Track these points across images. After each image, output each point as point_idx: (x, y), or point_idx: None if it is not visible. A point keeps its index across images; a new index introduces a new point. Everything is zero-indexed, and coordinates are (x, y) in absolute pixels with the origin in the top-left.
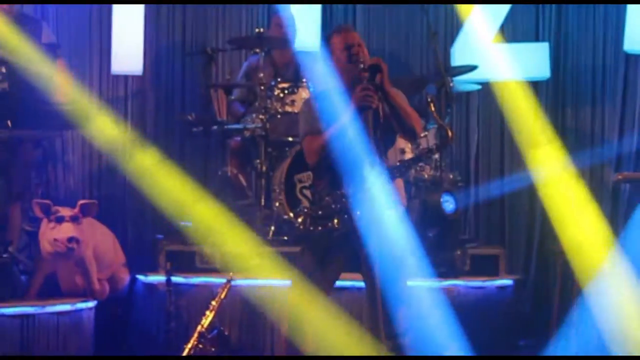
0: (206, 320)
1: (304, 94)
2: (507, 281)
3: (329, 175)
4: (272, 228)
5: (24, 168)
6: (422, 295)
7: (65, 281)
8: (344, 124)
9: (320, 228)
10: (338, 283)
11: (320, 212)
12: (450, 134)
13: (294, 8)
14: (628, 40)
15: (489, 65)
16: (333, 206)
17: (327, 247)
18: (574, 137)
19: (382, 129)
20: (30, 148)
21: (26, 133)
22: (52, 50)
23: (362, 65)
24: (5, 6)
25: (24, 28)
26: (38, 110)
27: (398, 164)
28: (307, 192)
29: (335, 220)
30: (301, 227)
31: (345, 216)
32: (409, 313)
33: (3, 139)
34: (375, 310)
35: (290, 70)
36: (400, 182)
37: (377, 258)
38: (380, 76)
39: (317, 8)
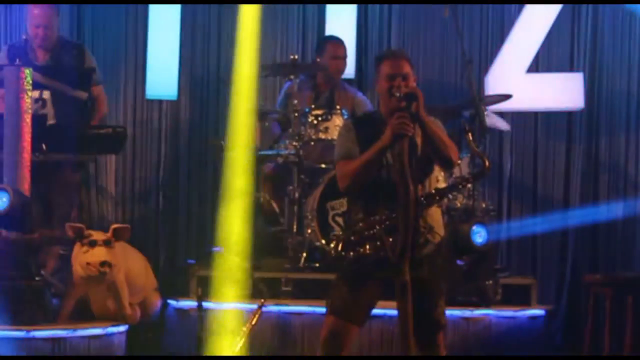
0: (237, 347)
1: (337, 121)
2: (538, 311)
3: (363, 200)
4: (304, 255)
5: (64, 192)
6: None
7: (97, 305)
8: (379, 150)
9: (352, 254)
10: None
11: (352, 238)
12: (487, 163)
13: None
14: None
15: (523, 95)
16: (366, 232)
17: (360, 274)
18: (608, 167)
19: (419, 158)
20: (69, 172)
21: (61, 157)
22: (89, 74)
23: (398, 94)
24: (39, 41)
25: (67, 53)
26: (74, 135)
27: (433, 191)
28: (340, 220)
29: (368, 246)
30: (333, 252)
31: (378, 243)
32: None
33: (43, 163)
34: (406, 338)
35: (326, 97)
36: (437, 210)
37: (411, 285)
38: (416, 105)
39: (352, 36)
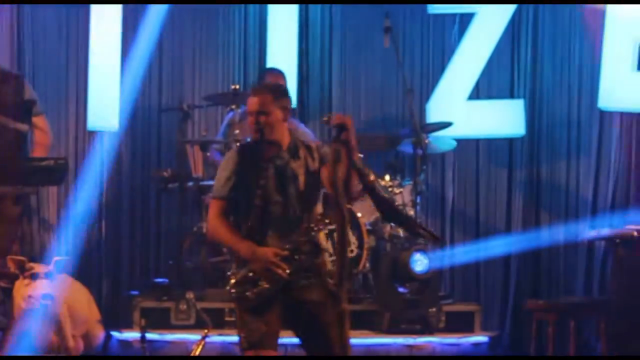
0: None
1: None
2: (482, 338)
3: (258, 236)
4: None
5: (4, 224)
6: None
7: (40, 338)
8: (236, 248)
9: (254, 291)
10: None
11: (250, 275)
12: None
13: (271, 64)
14: (602, 98)
15: (464, 122)
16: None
17: (265, 302)
18: (549, 193)
19: (307, 191)
20: (10, 205)
21: (2, 190)
22: (32, 106)
23: (325, 119)
24: None
25: (6, 84)
26: (16, 167)
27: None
28: None
29: (265, 282)
30: (233, 290)
31: (275, 276)
32: None
33: None
34: None
35: None
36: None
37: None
38: (346, 134)
39: (293, 66)
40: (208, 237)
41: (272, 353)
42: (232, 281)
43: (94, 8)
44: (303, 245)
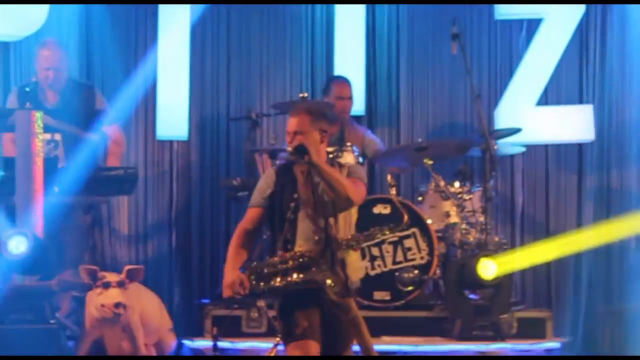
0: None
1: (348, 157)
2: (554, 344)
3: (281, 241)
4: None
5: (75, 234)
6: None
7: (112, 347)
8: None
9: (262, 284)
10: None
11: (265, 270)
12: (406, 218)
13: (338, 73)
14: None
15: (533, 128)
16: (279, 266)
17: (300, 300)
18: (620, 198)
19: (324, 199)
20: (81, 213)
21: (73, 199)
22: (99, 116)
23: (290, 150)
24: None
25: (78, 95)
26: (85, 176)
27: (350, 237)
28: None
29: (278, 279)
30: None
31: (289, 279)
32: None
33: (54, 205)
34: None
35: (336, 135)
36: (353, 257)
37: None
38: (307, 156)
39: (360, 74)
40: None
41: (315, 346)
42: (247, 272)
43: (162, 17)
44: (322, 259)
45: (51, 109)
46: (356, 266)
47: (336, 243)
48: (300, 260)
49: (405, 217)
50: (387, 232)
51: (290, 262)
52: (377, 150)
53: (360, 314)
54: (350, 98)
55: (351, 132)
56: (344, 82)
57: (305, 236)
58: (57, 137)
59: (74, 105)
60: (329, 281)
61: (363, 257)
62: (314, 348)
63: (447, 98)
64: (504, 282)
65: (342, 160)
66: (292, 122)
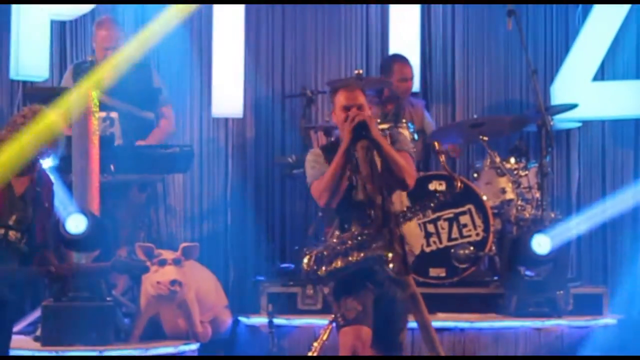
0: None
1: (404, 133)
2: (611, 320)
3: (338, 220)
4: None
5: (131, 212)
6: None
7: (168, 324)
8: (343, 152)
9: (324, 268)
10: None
11: (325, 253)
12: (458, 184)
13: (394, 49)
14: None
15: (590, 104)
16: (338, 247)
17: (355, 281)
18: None
19: (381, 176)
20: (136, 192)
21: (129, 177)
22: (155, 94)
23: (349, 128)
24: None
25: (134, 74)
26: (141, 154)
27: (405, 209)
28: None
29: (339, 261)
30: (306, 267)
31: (350, 258)
32: None
33: (109, 183)
34: (434, 347)
35: (393, 111)
36: (410, 223)
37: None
38: (370, 133)
39: (416, 50)
40: (319, 196)
41: (367, 331)
42: (306, 259)
43: None
44: (380, 235)
45: (108, 88)
46: (415, 233)
47: (394, 219)
48: (359, 238)
49: (458, 182)
50: (441, 198)
51: (349, 242)
52: (430, 130)
53: (418, 291)
54: (412, 78)
55: (411, 110)
56: (405, 61)
57: (362, 214)
58: (113, 115)
59: (130, 83)
60: (390, 255)
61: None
62: (366, 333)
63: (503, 74)
64: (560, 257)
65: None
66: (349, 96)
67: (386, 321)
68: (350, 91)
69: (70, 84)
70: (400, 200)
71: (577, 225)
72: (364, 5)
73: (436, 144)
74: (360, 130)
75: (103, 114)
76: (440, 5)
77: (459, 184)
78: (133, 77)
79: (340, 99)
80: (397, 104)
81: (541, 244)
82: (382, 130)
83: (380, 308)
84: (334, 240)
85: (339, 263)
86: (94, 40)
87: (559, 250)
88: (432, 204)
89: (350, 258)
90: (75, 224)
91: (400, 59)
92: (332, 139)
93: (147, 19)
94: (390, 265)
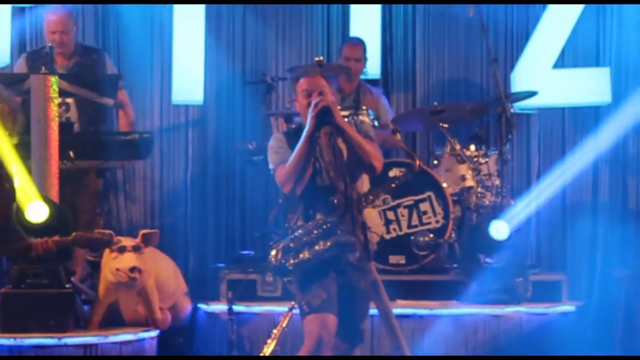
0: (268, 349)
1: (365, 120)
2: (569, 307)
3: (301, 207)
4: None
5: (89, 198)
6: None
7: (127, 311)
8: (307, 138)
9: (292, 260)
10: None
11: (291, 245)
12: (417, 162)
13: (354, 34)
14: None
15: (550, 91)
16: (304, 238)
17: (319, 269)
18: (636, 161)
19: (344, 162)
20: (94, 178)
21: (89, 163)
22: (115, 80)
23: (312, 114)
24: (57, 48)
25: (87, 59)
26: (100, 141)
27: (366, 192)
28: None
29: (307, 252)
30: (274, 260)
31: (316, 247)
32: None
33: (67, 170)
34: (394, 334)
35: (353, 98)
36: (371, 211)
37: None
38: (333, 119)
39: (376, 36)
40: (284, 183)
41: (332, 318)
42: (273, 252)
43: None
44: (344, 222)
45: (67, 74)
46: (376, 222)
47: (356, 205)
48: (324, 227)
49: (417, 160)
50: (402, 178)
51: (315, 232)
52: (386, 119)
53: (379, 278)
54: (359, 60)
55: (367, 96)
56: (353, 43)
57: (326, 200)
58: (69, 100)
59: (83, 69)
60: (354, 240)
61: (379, 219)
62: (331, 320)
63: (463, 61)
64: (519, 244)
65: None
66: (310, 82)
67: (348, 309)
68: (311, 77)
69: (23, 71)
70: (362, 187)
71: (528, 205)
72: None
73: (390, 123)
74: (324, 116)
75: (59, 100)
76: None
77: (417, 162)
78: (86, 63)
79: (302, 84)
80: (357, 91)
81: (499, 229)
82: (344, 117)
83: (343, 296)
84: (300, 232)
85: (306, 254)
86: (44, 26)
87: (517, 235)
88: (392, 185)
89: (316, 247)
90: (36, 211)
91: (349, 40)
92: (293, 125)
93: (107, 7)
94: (354, 252)
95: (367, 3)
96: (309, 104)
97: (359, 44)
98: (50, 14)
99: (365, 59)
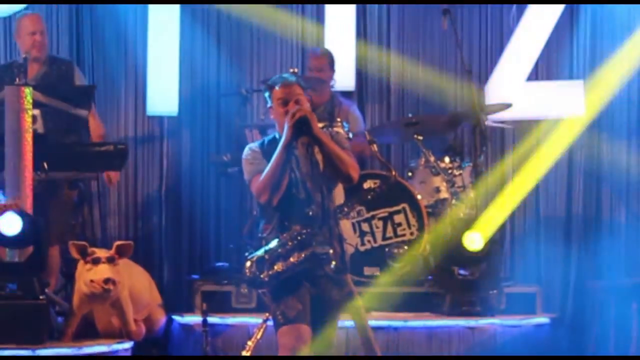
0: None
1: (341, 132)
2: (543, 319)
3: (276, 219)
4: None
5: (61, 209)
6: None
7: (101, 322)
8: (284, 147)
9: (266, 272)
10: None
11: (266, 257)
12: (393, 172)
13: (328, 48)
14: None
15: (524, 104)
16: (279, 250)
17: (294, 281)
18: (610, 173)
19: (321, 173)
20: (67, 189)
21: (62, 175)
22: (90, 92)
23: (289, 124)
24: (35, 51)
25: (56, 69)
26: (74, 152)
27: (341, 204)
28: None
29: (280, 265)
30: (248, 272)
31: (291, 259)
32: None
33: (40, 181)
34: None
35: (327, 110)
36: (345, 222)
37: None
38: (307, 128)
39: (351, 48)
40: (260, 193)
41: (307, 330)
42: (248, 264)
43: None
44: (320, 233)
45: (40, 85)
46: (349, 234)
47: (333, 216)
48: (299, 238)
49: (393, 171)
50: (377, 190)
51: (289, 244)
52: (358, 129)
53: (356, 290)
54: (321, 70)
55: (338, 107)
56: (316, 53)
57: (302, 211)
58: (35, 112)
59: (53, 79)
60: (331, 251)
61: (353, 232)
62: (306, 332)
63: (438, 73)
64: (493, 256)
65: None
66: (286, 90)
67: (319, 319)
68: (287, 85)
69: None
70: (338, 198)
71: (498, 213)
72: (300, 4)
73: (366, 133)
74: (301, 126)
75: None
76: (376, 5)
77: (393, 173)
78: (55, 73)
79: (278, 93)
80: (332, 102)
81: (474, 240)
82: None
83: (315, 306)
84: (274, 243)
85: (280, 266)
86: (18, 33)
87: (491, 244)
88: (369, 197)
89: (291, 259)
90: (9, 223)
91: (313, 50)
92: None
93: (82, 19)
94: (330, 264)
95: (341, 3)
96: (285, 113)
97: (322, 54)
98: (25, 18)
99: (331, 70)
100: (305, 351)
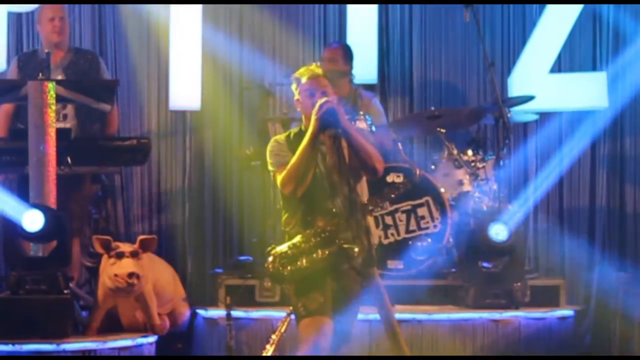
0: (266, 354)
1: (362, 126)
2: (568, 312)
3: (300, 213)
4: None
5: (83, 204)
6: None
7: (125, 316)
8: (311, 140)
9: (289, 268)
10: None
11: (289, 252)
12: (417, 172)
13: (351, 41)
14: None
15: (547, 96)
16: (303, 245)
17: (316, 276)
18: (633, 165)
19: (347, 165)
20: (89, 184)
21: (85, 169)
22: (112, 86)
23: (316, 116)
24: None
25: (82, 59)
26: (98, 147)
27: (366, 203)
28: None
29: (304, 260)
30: (271, 267)
31: (314, 255)
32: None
33: (63, 175)
34: (396, 338)
35: (349, 103)
36: (369, 219)
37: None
38: (335, 120)
39: (373, 41)
40: (285, 184)
41: (328, 322)
42: (270, 258)
43: None
44: (346, 227)
45: (64, 80)
46: (372, 230)
47: (361, 210)
48: (323, 235)
49: (417, 170)
50: (402, 189)
51: (313, 240)
52: (379, 122)
53: (382, 283)
54: (332, 60)
55: (359, 100)
56: (331, 45)
57: (326, 205)
58: (69, 108)
59: (79, 71)
60: (356, 249)
61: (377, 225)
62: (327, 324)
63: (460, 66)
64: (517, 248)
65: None
66: (313, 82)
67: (340, 312)
68: (314, 77)
69: (15, 76)
70: (362, 191)
71: (521, 207)
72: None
73: (392, 132)
74: (329, 118)
75: (58, 106)
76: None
77: (417, 172)
78: (80, 63)
79: (304, 85)
80: (354, 95)
81: (499, 232)
82: None
83: (336, 300)
84: (298, 239)
85: (303, 262)
86: (39, 21)
87: (516, 236)
88: (392, 195)
89: (314, 256)
90: (32, 220)
91: (329, 43)
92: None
93: (105, 12)
94: (357, 258)
95: (363, 3)
96: (312, 105)
97: (337, 46)
98: (45, 6)
99: (346, 63)
100: (325, 344)
